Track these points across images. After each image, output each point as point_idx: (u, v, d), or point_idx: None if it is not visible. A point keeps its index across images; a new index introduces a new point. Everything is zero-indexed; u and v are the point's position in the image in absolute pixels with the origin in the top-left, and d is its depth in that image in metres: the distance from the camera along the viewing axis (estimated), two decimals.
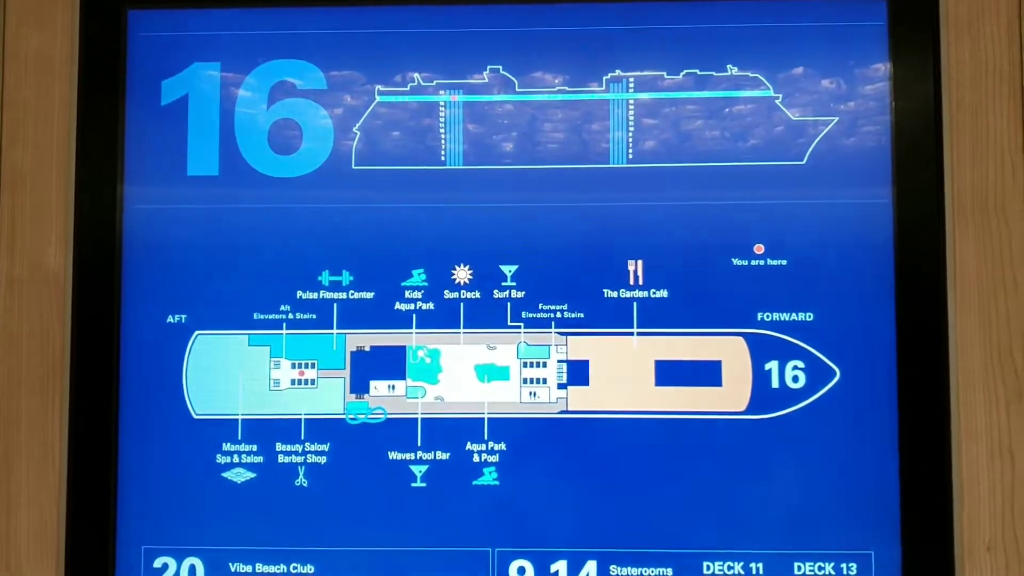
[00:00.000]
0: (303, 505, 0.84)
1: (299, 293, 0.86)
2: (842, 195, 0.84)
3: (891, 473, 0.82)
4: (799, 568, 0.82)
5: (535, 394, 0.84)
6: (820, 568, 0.82)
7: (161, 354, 0.85)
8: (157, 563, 0.85)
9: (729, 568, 0.82)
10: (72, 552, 0.84)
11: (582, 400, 0.84)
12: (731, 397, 0.83)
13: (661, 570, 0.83)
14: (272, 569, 0.84)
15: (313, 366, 0.85)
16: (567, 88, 0.86)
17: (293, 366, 0.85)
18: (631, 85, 0.85)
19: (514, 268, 0.85)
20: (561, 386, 0.84)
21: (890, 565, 0.82)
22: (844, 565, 0.82)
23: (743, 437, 0.83)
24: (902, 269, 0.83)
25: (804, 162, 0.84)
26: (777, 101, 0.85)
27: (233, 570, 0.84)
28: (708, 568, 0.83)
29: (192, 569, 0.84)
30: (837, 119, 0.84)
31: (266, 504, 0.84)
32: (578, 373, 0.84)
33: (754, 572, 0.82)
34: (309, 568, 0.84)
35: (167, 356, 0.85)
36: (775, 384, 0.83)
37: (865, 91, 0.85)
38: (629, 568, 0.83)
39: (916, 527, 0.81)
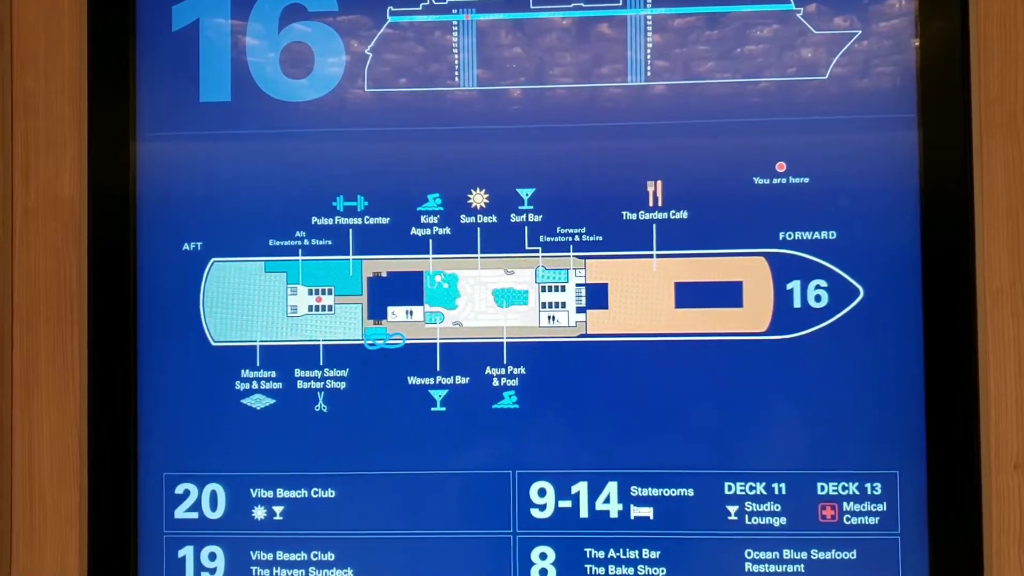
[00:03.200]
0: (323, 430, 0.84)
1: (314, 219, 0.85)
2: (866, 110, 0.82)
3: (916, 392, 0.80)
4: (822, 489, 0.81)
5: (554, 318, 0.83)
6: (844, 488, 0.81)
7: (178, 282, 0.85)
8: (179, 490, 0.85)
9: (751, 489, 0.82)
10: (94, 481, 0.85)
11: (601, 323, 0.83)
12: (752, 318, 0.82)
13: (682, 491, 0.82)
14: (292, 494, 0.84)
15: (330, 292, 0.84)
16: (583, 4, 0.84)
17: (310, 292, 0.84)
18: None
19: (531, 191, 0.84)
20: (580, 310, 0.83)
21: (916, 485, 0.81)
22: (869, 485, 0.81)
23: (765, 358, 0.82)
24: (928, 184, 0.80)
25: (826, 77, 0.82)
26: (798, 14, 0.83)
27: (254, 495, 0.84)
28: (730, 489, 0.82)
29: (213, 495, 0.85)
30: (860, 32, 0.82)
31: (286, 430, 0.84)
32: (597, 296, 0.83)
33: (776, 493, 0.82)
34: (330, 492, 0.84)
35: (184, 284, 0.85)
36: (797, 304, 0.82)
37: (889, 2, 0.82)
38: (650, 489, 0.82)
39: (942, 447, 0.80)
